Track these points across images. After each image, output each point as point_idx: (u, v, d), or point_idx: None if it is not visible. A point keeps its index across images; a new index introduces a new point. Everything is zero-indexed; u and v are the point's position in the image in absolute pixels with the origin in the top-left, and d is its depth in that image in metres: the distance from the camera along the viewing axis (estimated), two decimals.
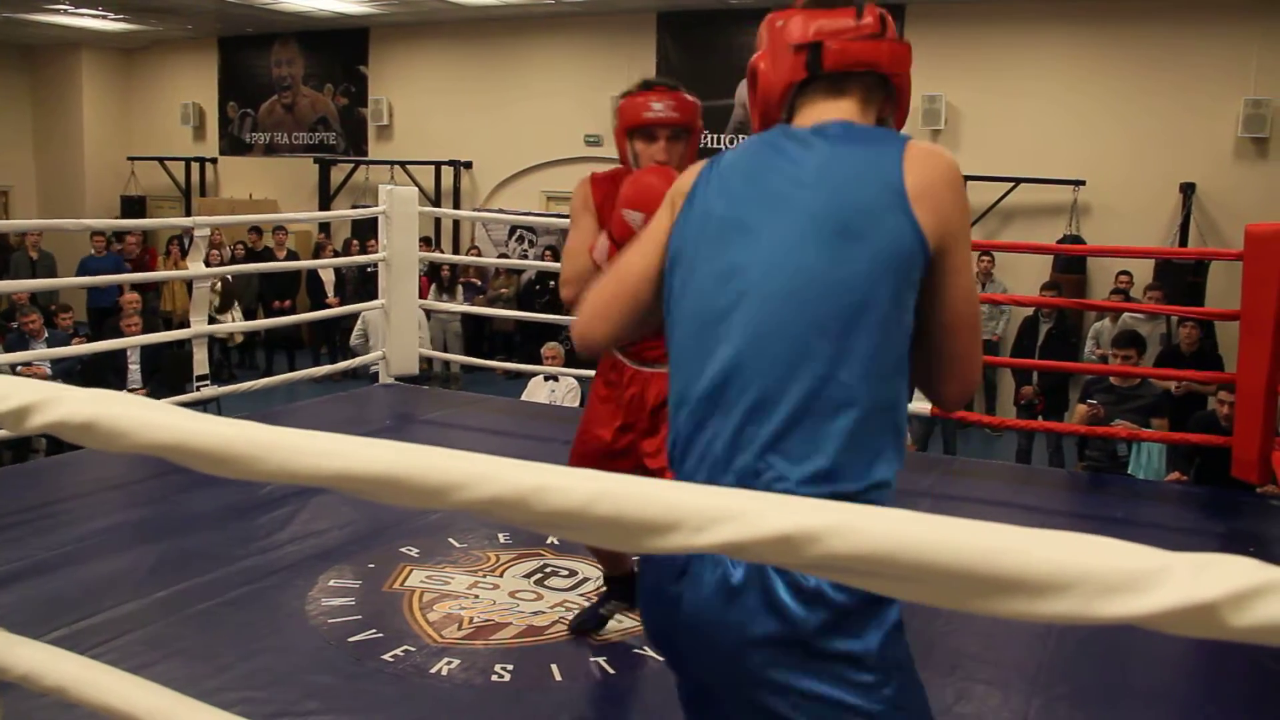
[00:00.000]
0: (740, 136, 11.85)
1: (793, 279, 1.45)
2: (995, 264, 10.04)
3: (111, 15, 13.32)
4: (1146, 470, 6.06)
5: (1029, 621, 0.74)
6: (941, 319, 1.52)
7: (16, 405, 1.20)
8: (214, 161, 15.44)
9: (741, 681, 1.41)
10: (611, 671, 3.10)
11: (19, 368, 6.36)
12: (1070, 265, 10.08)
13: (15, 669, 1.36)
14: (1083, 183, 10.11)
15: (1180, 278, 9.41)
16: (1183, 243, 9.68)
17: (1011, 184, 10.30)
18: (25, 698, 2.00)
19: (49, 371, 7.32)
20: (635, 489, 0.81)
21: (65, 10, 12.91)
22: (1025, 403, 8.40)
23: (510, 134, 12.97)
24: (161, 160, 15.22)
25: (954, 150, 10.57)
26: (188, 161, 15.25)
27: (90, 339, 9.51)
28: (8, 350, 7.75)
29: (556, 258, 12.29)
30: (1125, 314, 8.42)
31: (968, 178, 10.44)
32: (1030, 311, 9.17)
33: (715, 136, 11.98)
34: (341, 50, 14.23)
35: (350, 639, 3.25)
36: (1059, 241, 9.78)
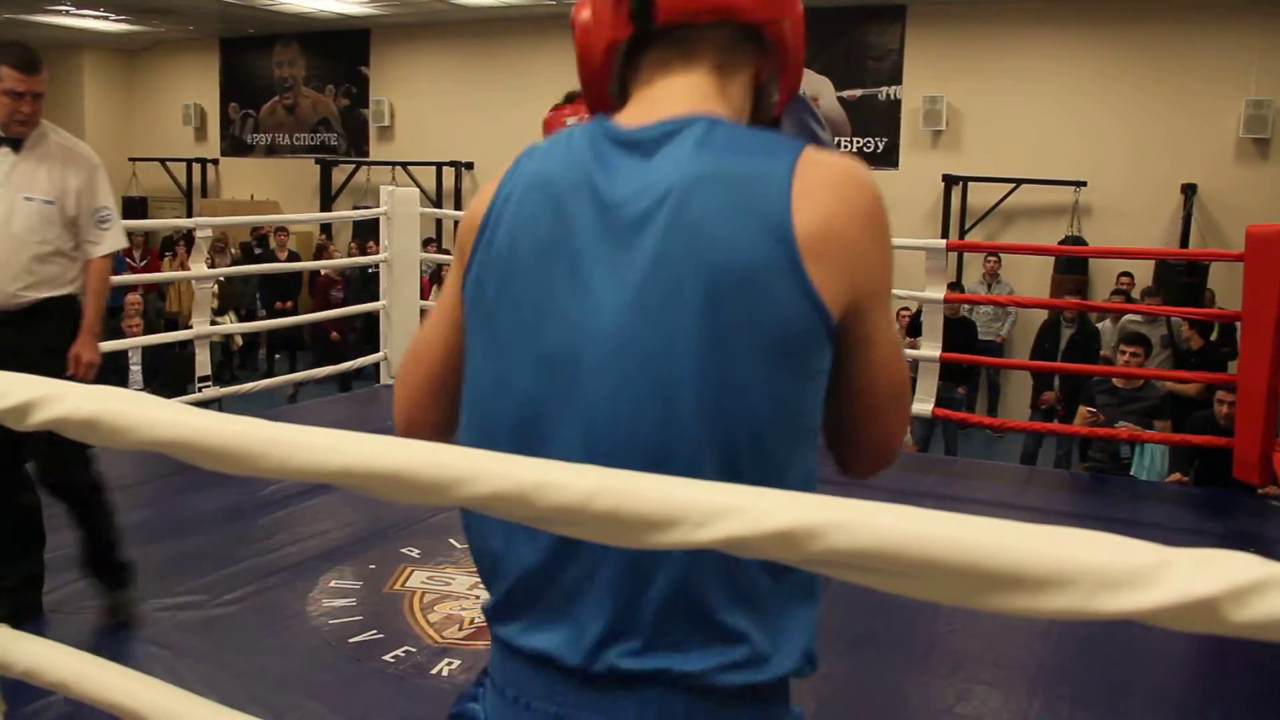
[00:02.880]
0: None
1: (617, 374, 1.05)
2: (1001, 265, 10.03)
3: (113, 16, 13.33)
4: (1149, 472, 6.06)
5: (1030, 620, 0.74)
6: (856, 402, 1.14)
7: (18, 401, 1.20)
8: (215, 162, 15.44)
9: None
10: None
11: None
12: (1072, 266, 10.07)
13: (18, 664, 1.36)
14: (1084, 183, 10.11)
15: (1178, 279, 9.40)
16: (1184, 244, 9.68)
17: (1013, 185, 10.30)
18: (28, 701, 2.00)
19: None
20: (636, 484, 0.81)
21: (67, 11, 12.92)
22: (1046, 408, 8.39)
23: (512, 135, 12.92)
24: (163, 161, 15.22)
25: (955, 151, 10.59)
26: (189, 162, 15.26)
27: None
28: None
29: None
30: (1126, 316, 8.42)
31: (969, 179, 10.47)
32: (1046, 314, 9.16)
33: None
34: (343, 51, 14.24)
35: (351, 639, 3.26)
36: (1060, 243, 9.78)
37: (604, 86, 1.19)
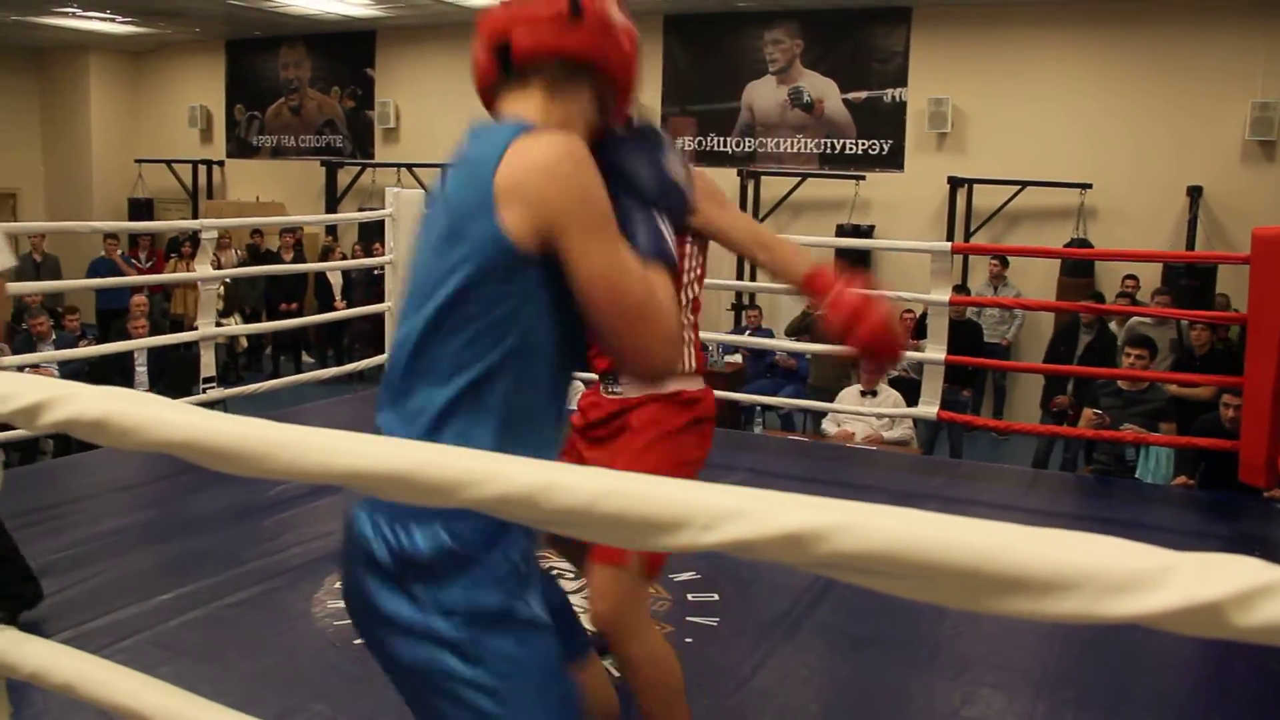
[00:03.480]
0: (746, 140, 11.86)
1: (417, 282, 1.56)
2: (1007, 268, 10.02)
3: (120, 18, 13.36)
4: (1154, 474, 6.06)
5: (1035, 623, 0.75)
6: (591, 316, 1.51)
7: (28, 403, 1.21)
8: (221, 164, 15.46)
9: (365, 635, 1.56)
10: (615, 674, 3.10)
11: (27, 369, 6.38)
12: (1078, 269, 10.06)
13: (24, 667, 1.37)
14: (1089, 186, 10.10)
15: (1187, 281, 9.39)
16: (1190, 246, 9.67)
17: (1018, 187, 10.29)
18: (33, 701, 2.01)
19: (56, 373, 7.33)
20: (642, 487, 0.81)
21: (74, 13, 12.94)
22: (1058, 410, 8.38)
23: None
24: (169, 163, 15.23)
25: (960, 154, 10.59)
26: (195, 164, 15.27)
27: (97, 341, 9.53)
28: (16, 352, 7.77)
29: None
30: (1134, 319, 8.40)
31: (974, 181, 10.46)
32: (1053, 317, 9.15)
33: (721, 139, 11.99)
34: (348, 53, 14.25)
35: (356, 640, 3.25)
36: (1066, 245, 9.77)
37: (491, 105, 1.67)
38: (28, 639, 1.41)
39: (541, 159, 1.47)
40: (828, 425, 7.50)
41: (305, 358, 12.29)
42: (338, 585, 3.64)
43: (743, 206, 11.73)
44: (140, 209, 15.11)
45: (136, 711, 1.33)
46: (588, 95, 1.65)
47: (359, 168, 14.03)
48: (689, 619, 3.48)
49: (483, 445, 1.41)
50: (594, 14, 1.61)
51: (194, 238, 10.49)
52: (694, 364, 2.59)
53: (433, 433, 1.51)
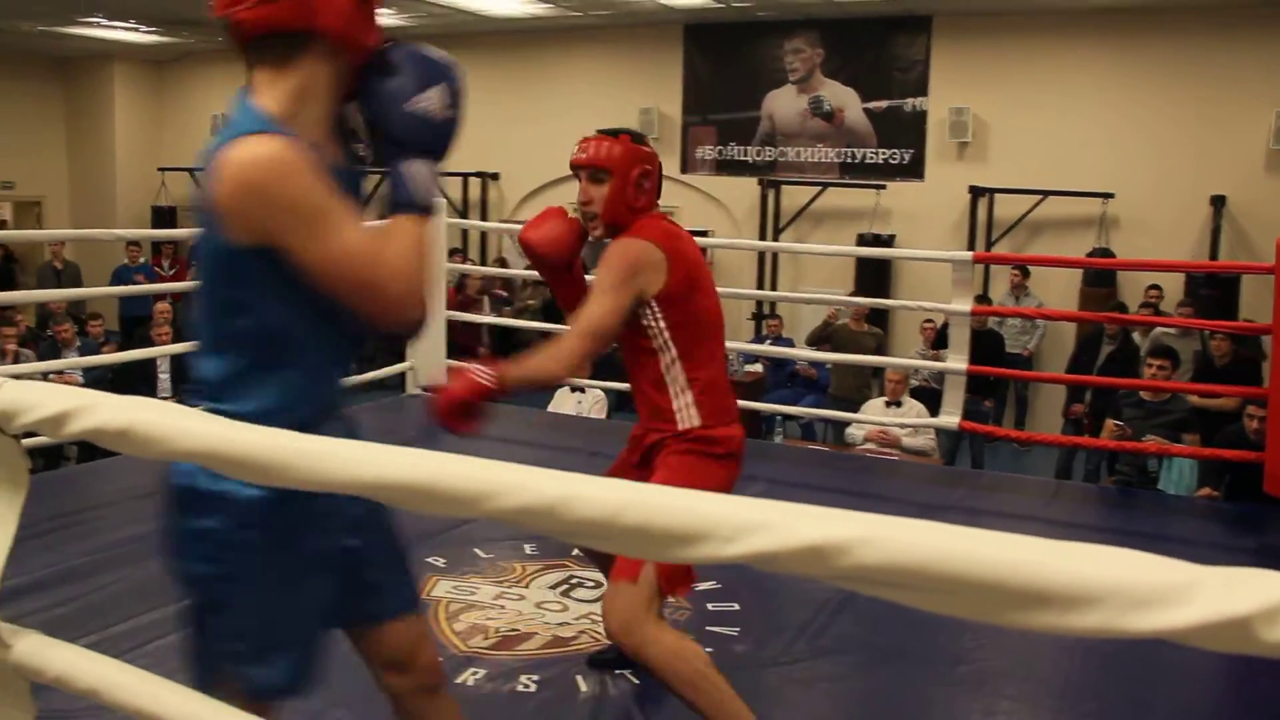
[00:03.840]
0: (767, 148, 11.85)
1: (200, 262, 1.72)
2: (1028, 278, 9.98)
3: (144, 28, 13.45)
4: (1178, 486, 6.01)
5: (1057, 636, 0.74)
6: (333, 291, 1.64)
7: (55, 411, 1.22)
8: None
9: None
10: (636, 682, 3.10)
11: (51, 376, 6.42)
12: (1100, 279, 10.01)
13: (50, 670, 1.38)
14: (1111, 195, 10.05)
15: (1208, 291, 9.33)
16: (1213, 256, 9.61)
17: (1040, 197, 10.25)
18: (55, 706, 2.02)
19: (80, 380, 7.39)
20: (664, 499, 0.81)
21: (99, 23, 13.04)
22: (1075, 419, 8.33)
23: (538, 145, 13.00)
24: (191, 171, 15.31)
25: (981, 163, 10.56)
26: None
27: (120, 348, 9.59)
28: (40, 358, 7.83)
29: (584, 270, 12.28)
30: (1157, 329, 8.35)
31: (996, 191, 10.43)
32: (1075, 328, 9.09)
33: (742, 148, 11.98)
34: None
35: None
36: (1088, 255, 9.73)
37: None
38: (53, 643, 1.42)
39: (244, 177, 1.55)
40: (854, 432, 7.48)
41: None
42: None
43: (763, 216, 11.74)
44: (163, 216, 15.21)
45: (160, 716, 1.33)
46: (320, 65, 1.68)
47: (381, 176, 14.06)
48: (709, 629, 3.47)
49: (248, 418, 1.41)
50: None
51: None
52: (694, 420, 2.71)
53: (214, 403, 1.66)
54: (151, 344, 7.83)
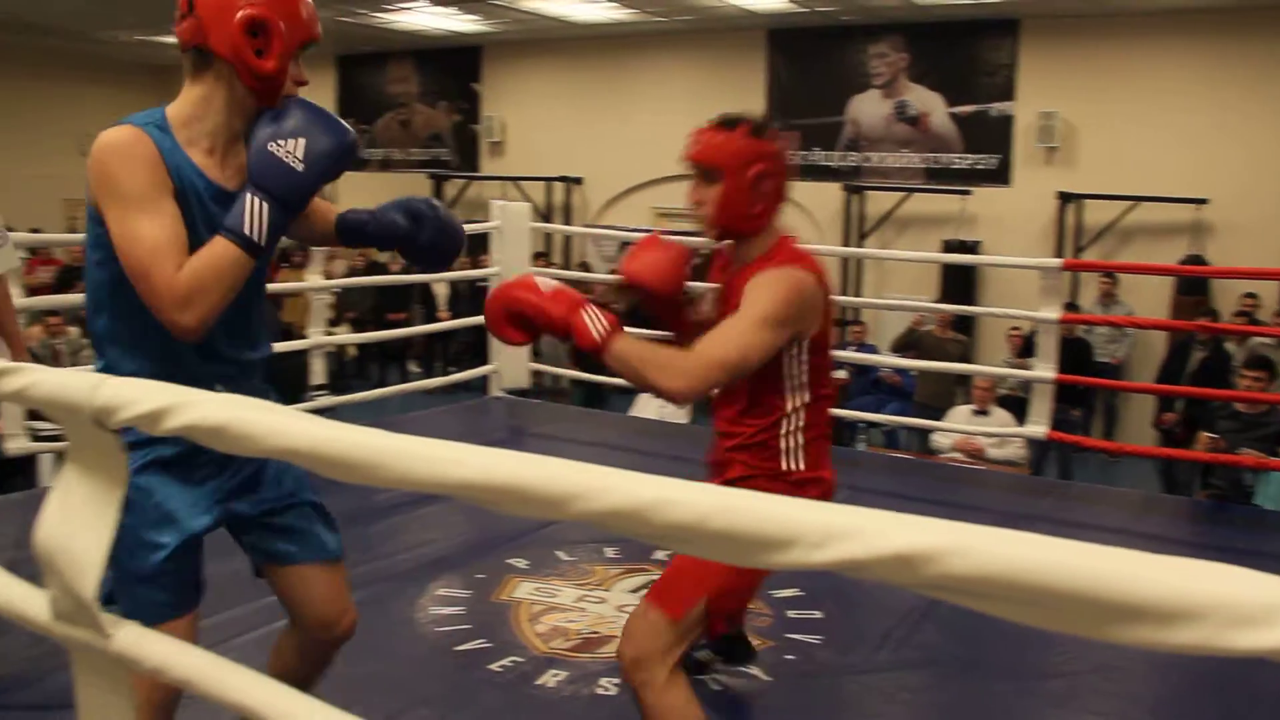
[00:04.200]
0: (850, 154, 11.77)
1: None
2: (1118, 285, 9.78)
3: None
4: (1275, 501, 5.85)
5: (1147, 652, 0.73)
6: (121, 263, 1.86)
7: (153, 408, 1.25)
8: None
9: None
10: (717, 688, 3.09)
11: None
12: (1193, 287, 9.77)
13: (148, 661, 1.42)
14: (1205, 201, 9.81)
15: None
16: None
17: (1130, 203, 10.05)
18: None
19: None
20: (753, 504, 0.81)
21: None
22: (1166, 429, 8.15)
23: (621, 150, 13.06)
24: None
25: (1070, 168, 10.37)
26: None
27: None
28: None
29: None
30: (1254, 339, 8.12)
31: (1085, 196, 10.24)
32: (1166, 336, 8.88)
33: (826, 153, 11.92)
34: (456, 68, 14.49)
35: (458, 647, 3.30)
36: (1181, 262, 9.50)
37: None
38: (150, 635, 1.45)
39: (94, 152, 1.84)
40: (939, 440, 7.40)
41: (411, 368, 12.50)
42: (442, 591, 3.70)
43: (846, 221, 11.66)
44: None
45: (250, 708, 1.36)
46: (218, 84, 1.92)
47: (465, 181, 14.24)
48: (790, 636, 3.45)
49: (124, 371, 1.85)
50: (204, 6, 1.85)
51: (305, 248, 10.74)
52: (799, 463, 2.46)
53: (100, 357, 1.99)
54: None
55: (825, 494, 2.51)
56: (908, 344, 9.41)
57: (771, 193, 2.37)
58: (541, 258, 12.69)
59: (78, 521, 1.43)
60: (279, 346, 7.10)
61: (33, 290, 9.32)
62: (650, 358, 2.07)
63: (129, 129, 1.85)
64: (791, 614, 3.63)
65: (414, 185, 14.68)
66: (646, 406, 7.98)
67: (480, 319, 7.28)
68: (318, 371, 6.09)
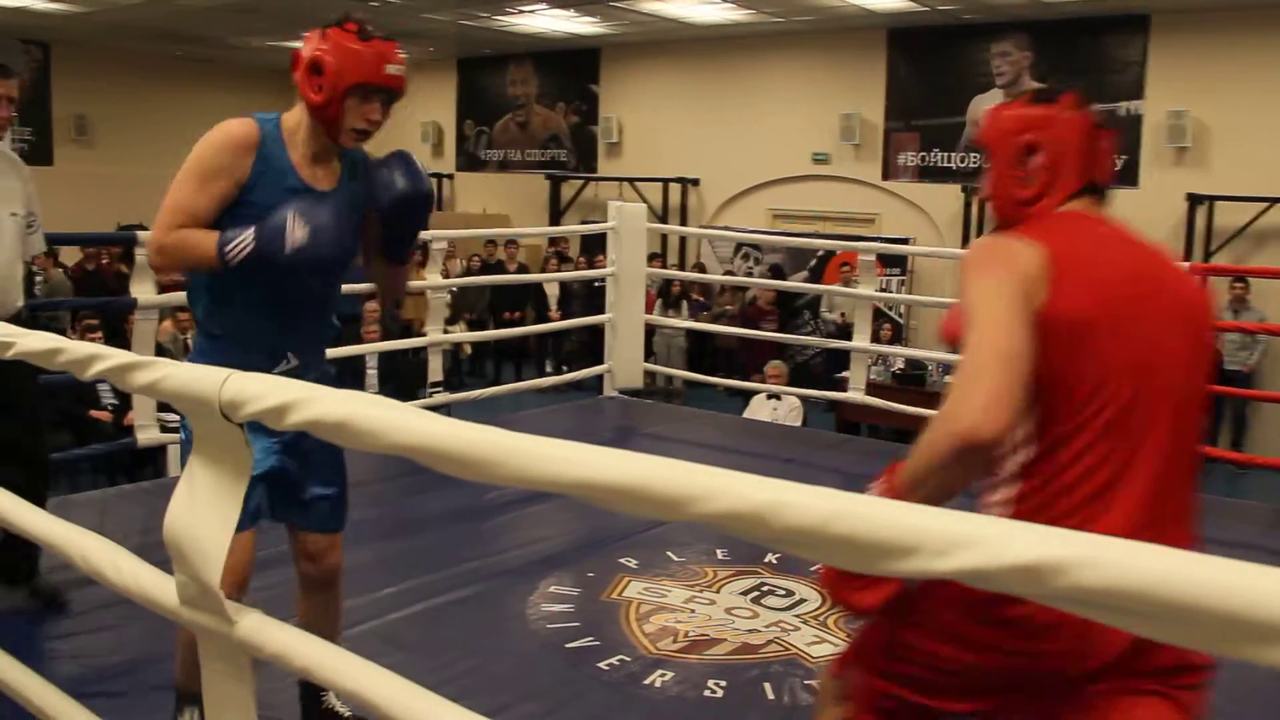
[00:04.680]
0: (971, 155, 11.57)
1: None
2: (1250, 290, 9.42)
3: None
4: None
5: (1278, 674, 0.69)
6: None
7: (277, 403, 1.28)
8: (450, 177, 16.08)
9: None
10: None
11: None
12: None
13: (268, 647, 1.45)
14: None
15: None
16: None
17: (1266, 205, 9.67)
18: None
19: None
20: (875, 510, 0.79)
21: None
22: None
23: (738, 152, 13.02)
24: None
25: (1201, 169, 10.05)
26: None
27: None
28: None
29: (780, 275, 12.24)
30: None
31: (1216, 198, 9.89)
32: None
33: (946, 154, 11.72)
34: (574, 70, 14.61)
35: (568, 645, 3.32)
36: None
37: None
38: (273, 622, 1.49)
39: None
40: None
41: (544, 371, 12.65)
42: (553, 588, 3.73)
43: (966, 224, 11.45)
44: None
45: (366, 699, 1.38)
46: (304, 107, 2.33)
47: (582, 181, 14.34)
48: None
49: (213, 336, 2.39)
50: (300, 58, 2.30)
51: (424, 247, 10.95)
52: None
53: (198, 326, 2.47)
54: (361, 342, 8.17)
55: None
56: None
57: (1044, 168, 1.82)
58: (656, 259, 12.73)
59: (204, 511, 1.47)
60: (396, 344, 7.26)
61: (163, 288, 9.67)
62: (920, 442, 1.55)
63: (245, 119, 2.29)
64: None
65: (532, 186, 14.85)
66: (760, 409, 7.94)
67: (593, 319, 7.33)
68: (435, 368, 6.19)
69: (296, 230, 2.19)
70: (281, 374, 2.09)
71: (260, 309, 2.35)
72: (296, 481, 2.50)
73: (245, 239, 2.21)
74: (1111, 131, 1.91)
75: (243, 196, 2.28)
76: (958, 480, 1.53)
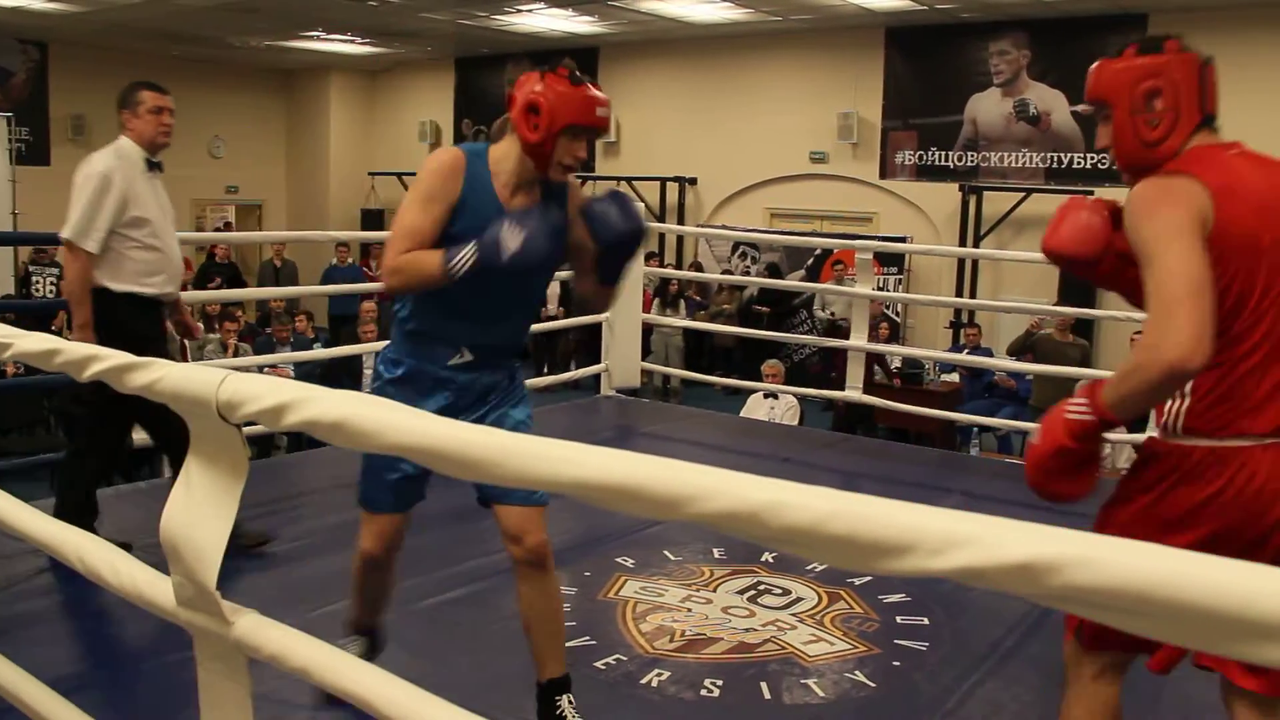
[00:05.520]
0: (969, 154, 11.57)
1: None
2: None
3: (359, 40, 14.08)
4: None
5: None
6: None
7: (274, 403, 1.28)
8: None
9: None
10: (820, 694, 3.06)
11: (265, 369, 6.77)
12: None
13: (266, 648, 1.45)
14: None
15: None
16: None
17: None
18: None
19: (291, 373, 7.76)
20: (872, 509, 0.79)
21: (319, 36, 13.72)
22: None
23: (735, 151, 13.03)
24: (399, 175, 15.94)
25: None
26: None
27: (328, 344, 10.03)
28: (257, 353, 8.28)
29: (778, 274, 12.25)
30: None
31: None
32: None
33: (944, 153, 11.73)
34: None
35: (567, 643, 3.32)
36: None
37: None
38: (269, 622, 1.49)
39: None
40: None
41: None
42: None
43: (963, 222, 11.46)
44: (372, 219, 15.86)
45: (363, 699, 1.39)
46: (515, 142, 2.57)
47: (580, 180, 14.34)
48: (897, 642, 3.41)
49: (419, 329, 2.66)
50: (513, 99, 2.58)
51: None
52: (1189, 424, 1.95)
53: (409, 319, 2.70)
54: (358, 341, 8.17)
55: (1203, 475, 1.92)
56: (1025, 347, 9.21)
57: (1170, 110, 2.05)
58: (654, 258, 12.73)
59: (200, 511, 1.47)
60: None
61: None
62: (1126, 368, 1.83)
63: (456, 150, 2.59)
64: (900, 619, 3.58)
65: None
66: (757, 408, 7.94)
67: (590, 318, 7.33)
68: None
69: (511, 240, 2.41)
70: (455, 365, 2.64)
71: (455, 312, 2.60)
72: None
73: (467, 253, 2.44)
74: (1214, 66, 2.13)
75: (453, 219, 2.52)
76: (1161, 399, 1.86)
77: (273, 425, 1.32)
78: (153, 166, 3.93)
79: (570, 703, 2.75)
